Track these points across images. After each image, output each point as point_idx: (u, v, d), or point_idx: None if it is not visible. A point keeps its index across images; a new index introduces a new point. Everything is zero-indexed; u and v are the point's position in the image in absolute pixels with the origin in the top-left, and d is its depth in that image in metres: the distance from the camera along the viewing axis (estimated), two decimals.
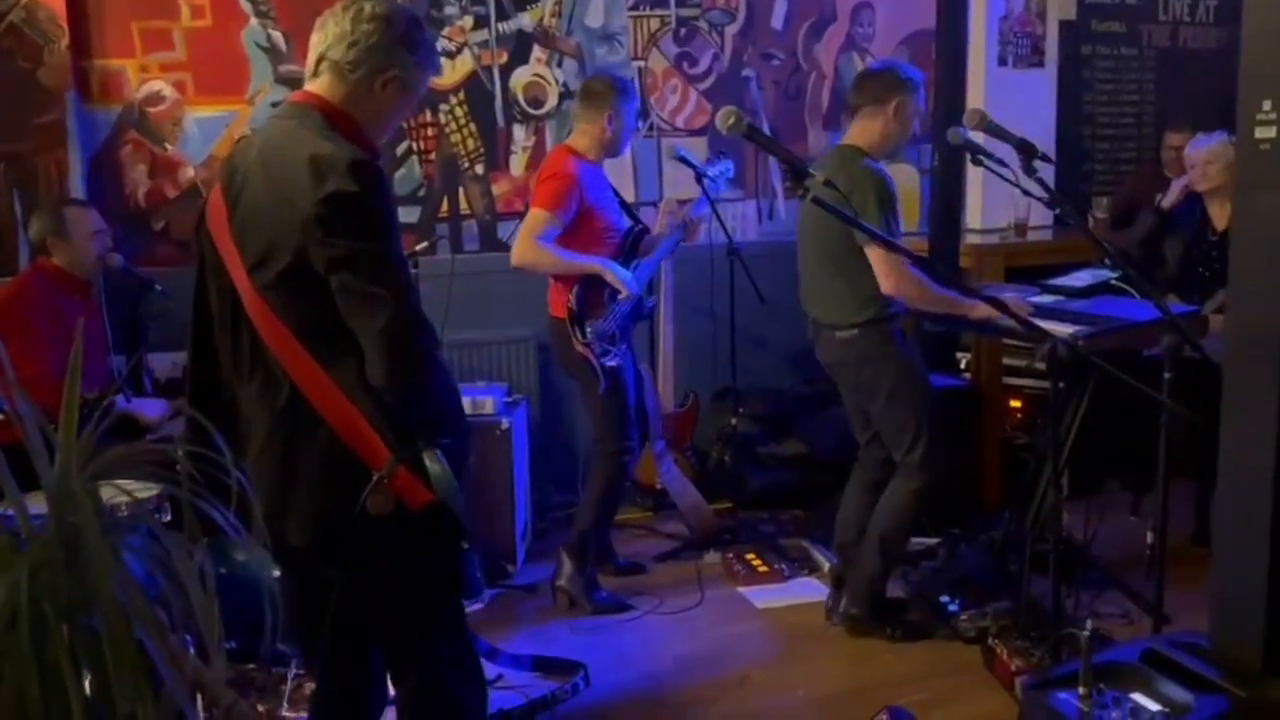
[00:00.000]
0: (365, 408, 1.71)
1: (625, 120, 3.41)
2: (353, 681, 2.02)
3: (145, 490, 2.22)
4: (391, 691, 2.06)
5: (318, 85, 1.86)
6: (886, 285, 3.02)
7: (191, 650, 1.41)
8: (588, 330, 3.37)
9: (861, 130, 3.19)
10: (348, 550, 1.77)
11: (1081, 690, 1.96)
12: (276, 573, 2.05)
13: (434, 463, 1.71)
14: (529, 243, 3.27)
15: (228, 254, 1.80)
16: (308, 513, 1.78)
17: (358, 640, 2.01)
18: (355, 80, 1.83)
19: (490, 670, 2.99)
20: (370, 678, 2.04)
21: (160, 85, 4.10)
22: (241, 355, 1.82)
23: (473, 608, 3.47)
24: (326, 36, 1.84)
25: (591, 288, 3.40)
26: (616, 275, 3.37)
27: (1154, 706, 1.92)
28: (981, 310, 2.90)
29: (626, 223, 3.53)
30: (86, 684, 1.09)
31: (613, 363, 3.40)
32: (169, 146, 4.14)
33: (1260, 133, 1.89)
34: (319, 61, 1.85)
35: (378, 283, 1.68)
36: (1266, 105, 1.87)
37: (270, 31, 4.18)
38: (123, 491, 1.51)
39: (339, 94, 1.84)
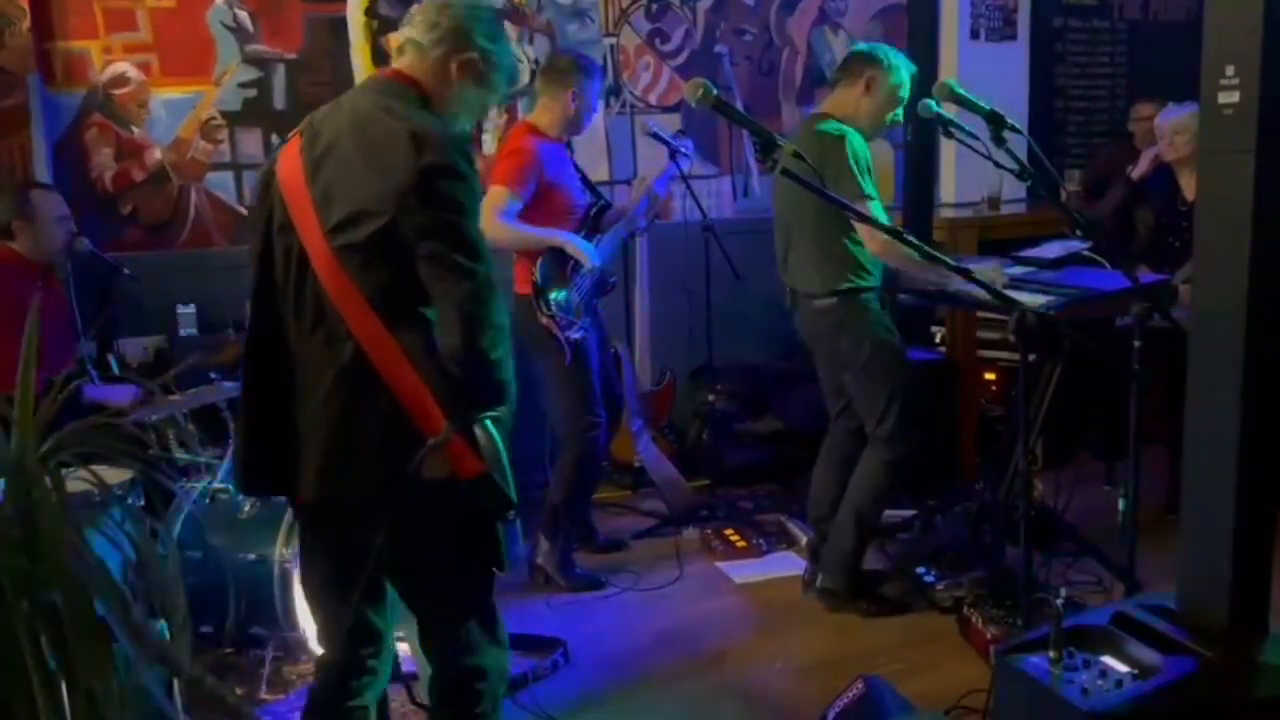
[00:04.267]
0: (426, 373, 1.77)
1: (588, 99, 3.40)
2: (362, 655, 2.02)
3: (117, 474, 2.21)
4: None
5: (402, 63, 1.94)
6: (873, 246, 3.04)
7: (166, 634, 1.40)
8: (551, 302, 3.37)
9: (834, 101, 3.22)
10: (396, 512, 1.82)
11: (1052, 654, 1.98)
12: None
13: (484, 433, 1.79)
14: (488, 219, 3.24)
15: (301, 214, 1.84)
16: (365, 470, 1.83)
17: (380, 611, 2.03)
18: (434, 58, 1.91)
19: None
20: (381, 651, 2.05)
21: (125, 67, 4.03)
22: (304, 311, 1.86)
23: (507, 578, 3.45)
24: (414, 25, 1.94)
25: (554, 261, 3.39)
26: (577, 247, 3.37)
27: (1123, 668, 1.93)
28: (959, 279, 2.90)
29: (588, 199, 3.52)
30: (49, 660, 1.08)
31: (576, 335, 3.40)
32: (135, 129, 4.08)
33: (1224, 98, 1.89)
34: (405, 43, 1.94)
35: (463, 253, 1.75)
36: (1230, 70, 1.87)
37: (236, 11, 4.12)
38: (92, 473, 1.50)
39: (420, 71, 1.93)
